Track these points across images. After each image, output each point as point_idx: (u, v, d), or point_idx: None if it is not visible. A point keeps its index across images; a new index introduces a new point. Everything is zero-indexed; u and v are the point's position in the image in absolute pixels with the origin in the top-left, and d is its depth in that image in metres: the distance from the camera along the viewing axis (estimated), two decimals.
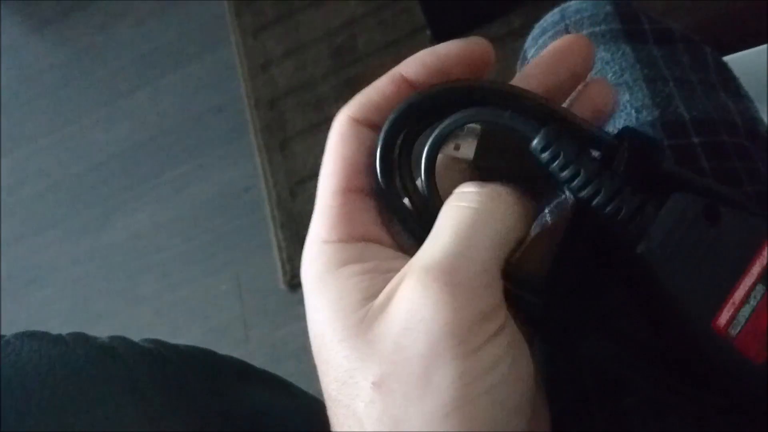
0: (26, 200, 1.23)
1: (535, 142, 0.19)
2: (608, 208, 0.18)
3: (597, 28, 0.26)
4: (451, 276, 0.17)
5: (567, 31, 0.27)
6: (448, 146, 0.20)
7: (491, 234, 0.18)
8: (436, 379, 0.17)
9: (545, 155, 0.18)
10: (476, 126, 0.20)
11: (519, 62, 0.31)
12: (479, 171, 0.20)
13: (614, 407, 0.22)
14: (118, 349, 0.27)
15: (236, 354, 1.09)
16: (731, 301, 0.17)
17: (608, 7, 0.27)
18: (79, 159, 1.24)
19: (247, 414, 0.30)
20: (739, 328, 0.17)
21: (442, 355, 0.16)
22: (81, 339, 0.27)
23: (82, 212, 1.18)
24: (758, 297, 0.17)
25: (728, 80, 0.26)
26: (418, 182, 0.20)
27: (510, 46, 0.79)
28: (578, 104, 0.20)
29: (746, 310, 0.17)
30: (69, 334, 0.27)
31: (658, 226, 0.18)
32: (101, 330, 0.98)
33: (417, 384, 0.17)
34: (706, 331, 0.17)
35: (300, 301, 0.79)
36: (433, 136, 0.20)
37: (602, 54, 0.26)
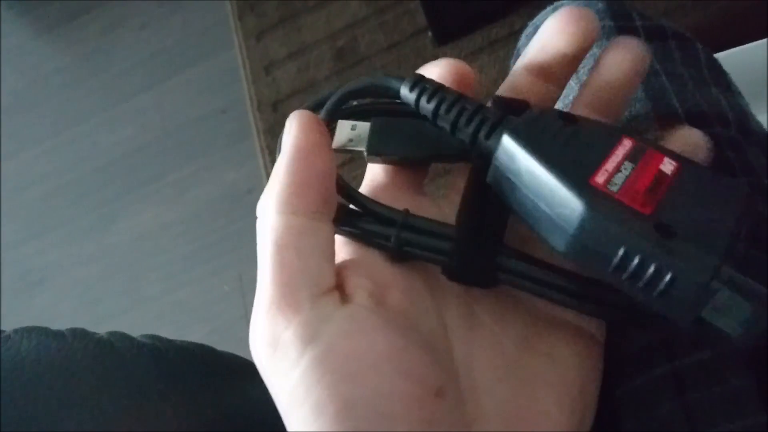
0: (31, 202, 1.24)
1: (402, 87, 0.20)
2: (472, 126, 0.19)
3: None
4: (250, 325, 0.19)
5: None
6: (345, 142, 0.22)
7: (270, 260, 0.19)
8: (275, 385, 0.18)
9: (412, 95, 0.20)
10: (367, 124, 0.22)
11: (512, 60, 0.31)
12: (375, 160, 0.22)
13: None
14: (116, 344, 0.27)
15: (238, 354, 1.09)
16: (603, 168, 0.17)
17: (600, 5, 0.27)
18: (84, 161, 1.25)
19: (243, 410, 0.31)
20: (618, 186, 0.17)
21: (269, 386, 0.18)
22: (80, 334, 0.27)
23: (87, 214, 1.19)
24: (629, 169, 0.17)
25: (719, 76, 0.26)
26: None
27: (512, 48, 0.80)
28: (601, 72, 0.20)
29: (620, 177, 0.17)
30: (68, 330, 0.27)
31: (520, 122, 0.19)
32: (105, 330, 0.98)
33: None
34: (585, 191, 0.17)
35: None
36: (322, 112, 0.22)
37: (594, 50, 0.26)
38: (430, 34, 1.02)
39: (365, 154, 0.21)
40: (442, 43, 1.01)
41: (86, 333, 0.27)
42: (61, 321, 1.14)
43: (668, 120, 0.24)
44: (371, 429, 0.16)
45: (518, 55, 0.31)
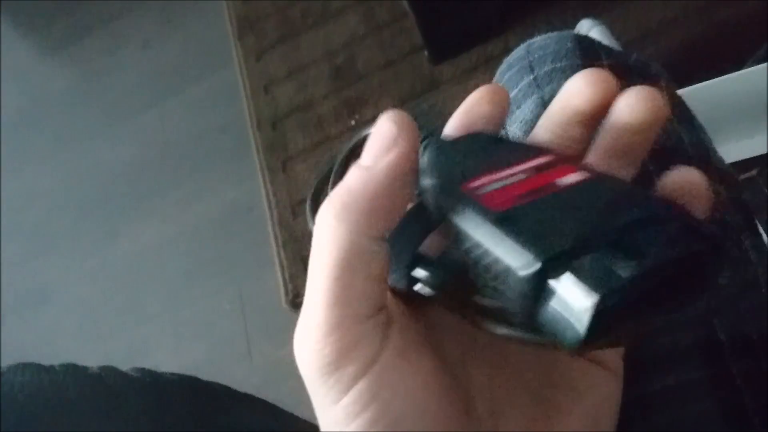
0: (33, 220, 1.25)
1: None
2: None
3: (559, 64, 0.27)
4: (301, 327, 0.18)
5: (530, 67, 0.28)
6: None
7: (323, 277, 0.18)
8: (325, 427, 0.18)
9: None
10: None
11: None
12: None
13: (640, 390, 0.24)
14: (107, 379, 0.28)
15: (239, 371, 1.10)
16: (487, 176, 0.18)
17: (569, 44, 0.28)
18: (86, 179, 1.26)
19: None
20: (485, 191, 0.18)
21: (319, 406, 0.18)
22: (71, 369, 0.28)
23: (88, 232, 1.20)
24: (514, 180, 0.18)
25: (683, 112, 0.27)
26: None
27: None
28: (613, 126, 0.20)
29: (497, 185, 0.18)
30: (60, 365, 0.28)
31: (439, 141, 0.20)
32: (108, 348, 0.99)
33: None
34: (453, 193, 0.18)
35: None
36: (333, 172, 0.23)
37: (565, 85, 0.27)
38: (426, 52, 1.03)
39: None
40: (438, 61, 1.02)
41: (77, 368, 0.28)
42: (63, 339, 1.15)
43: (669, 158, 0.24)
44: None
45: (500, 76, 0.32)
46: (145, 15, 1.39)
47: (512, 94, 0.30)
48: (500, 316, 0.18)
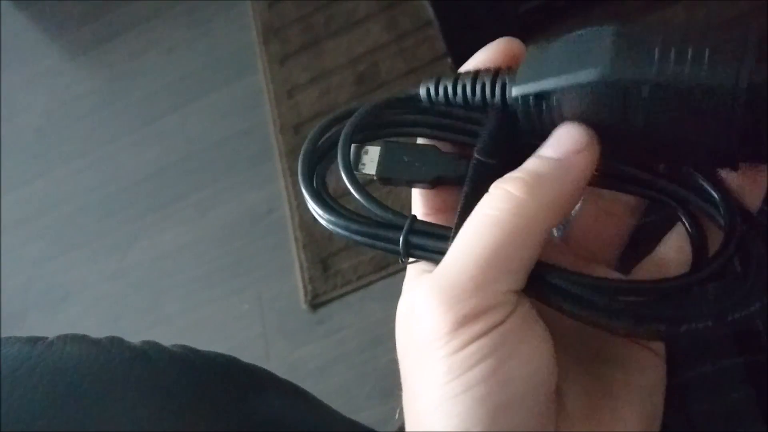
0: (58, 220, 1.27)
1: (420, 90, 0.22)
2: (477, 96, 0.21)
3: None
4: (439, 281, 0.18)
5: None
6: (357, 167, 0.23)
7: (491, 238, 0.18)
8: (423, 379, 0.18)
9: (427, 95, 0.22)
10: (378, 147, 0.23)
11: None
12: (386, 183, 0.23)
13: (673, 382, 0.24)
14: (150, 353, 0.29)
15: None
16: None
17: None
18: (110, 181, 1.28)
19: (266, 419, 0.32)
20: None
21: (427, 356, 0.18)
22: (116, 342, 0.29)
23: (111, 232, 1.22)
24: None
25: None
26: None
27: None
28: None
29: None
30: (106, 338, 0.29)
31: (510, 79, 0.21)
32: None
33: (412, 383, 0.19)
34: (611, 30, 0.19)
35: (320, 322, 0.82)
36: (342, 135, 0.22)
37: None
38: (449, 60, 1.05)
39: (374, 178, 0.23)
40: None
41: (122, 341, 0.29)
42: None
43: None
44: (516, 407, 0.18)
45: None
46: (171, 21, 1.42)
47: None
48: (580, 299, 0.19)
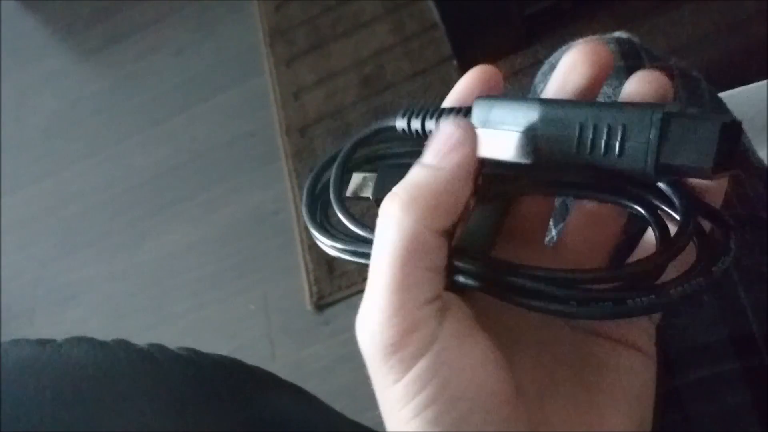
0: (66, 220, 1.28)
1: (397, 121, 0.24)
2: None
3: None
4: (361, 313, 0.19)
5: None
6: (355, 191, 0.25)
7: (384, 263, 0.19)
8: (382, 402, 0.19)
9: (403, 122, 0.24)
10: (374, 173, 0.25)
11: (530, 95, 0.33)
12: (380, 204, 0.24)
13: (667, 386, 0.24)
14: (156, 355, 0.29)
15: None
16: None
17: (611, 46, 0.29)
18: (117, 181, 1.29)
19: (271, 421, 0.32)
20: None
21: (379, 385, 0.19)
22: (123, 345, 0.29)
23: (119, 232, 1.23)
24: None
25: (722, 113, 0.27)
26: None
27: (535, 77, 0.82)
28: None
29: None
30: (113, 340, 0.29)
31: (446, 114, 0.22)
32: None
33: (381, 407, 0.20)
34: (537, 100, 0.20)
35: (326, 322, 0.82)
36: (333, 173, 0.25)
37: (605, 89, 0.28)
38: (455, 62, 1.05)
39: (371, 199, 0.24)
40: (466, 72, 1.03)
41: (129, 343, 0.30)
42: (90, 335, 1.17)
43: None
44: (471, 421, 0.18)
45: (534, 92, 0.33)
46: (178, 23, 1.43)
47: None
48: (543, 294, 0.19)
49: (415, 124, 0.23)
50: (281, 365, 0.98)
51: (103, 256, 1.22)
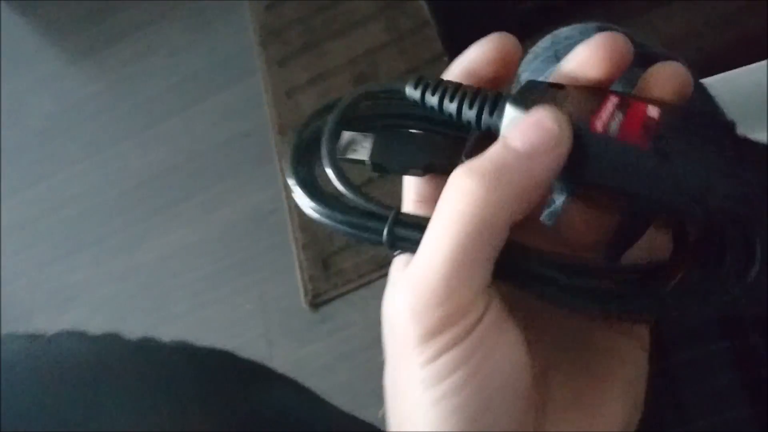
0: (63, 222, 1.28)
1: (407, 86, 0.22)
2: (476, 106, 0.20)
3: None
4: (408, 287, 0.18)
5: (556, 56, 0.29)
6: (347, 151, 0.22)
7: (453, 238, 0.17)
8: (402, 382, 0.18)
9: (417, 92, 0.21)
10: (371, 134, 0.22)
11: (513, 86, 0.33)
12: (377, 170, 0.23)
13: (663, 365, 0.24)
14: (148, 348, 0.29)
15: None
16: (598, 116, 0.19)
17: (594, 33, 0.29)
18: (114, 183, 1.29)
19: (272, 413, 0.32)
20: (616, 130, 0.19)
21: (403, 362, 0.18)
22: (114, 337, 0.29)
23: (116, 234, 1.23)
24: (620, 117, 0.19)
25: (707, 100, 0.28)
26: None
27: None
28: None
29: (615, 123, 0.19)
30: (104, 334, 0.30)
31: (515, 91, 0.20)
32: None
33: (393, 382, 0.19)
34: (588, 137, 0.18)
35: (322, 321, 0.82)
36: (330, 120, 0.22)
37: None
38: (446, 59, 1.05)
39: (366, 164, 0.23)
40: None
41: (119, 337, 0.30)
42: None
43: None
44: (488, 414, 0.18)
45: (518, 82, 0.33)
46: (172, 24, 1.43)
47: None
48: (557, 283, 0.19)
49: (431, 100, 0.21)
50: (279, 365, 0.96)
51: (102, 257, 1.22)
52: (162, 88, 1.35)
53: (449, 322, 0.17)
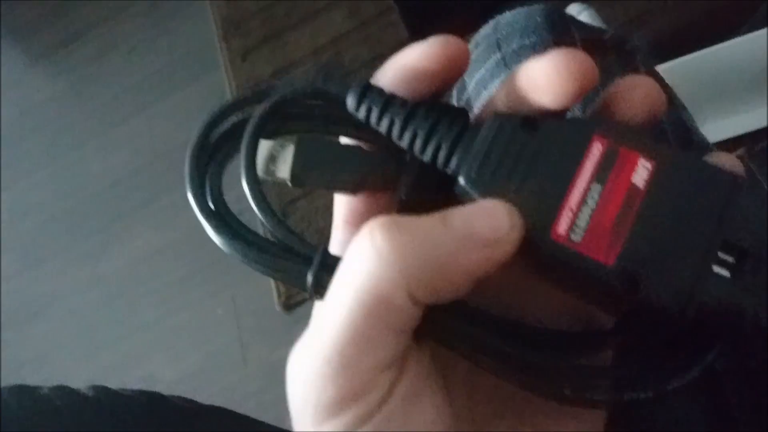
0: (26, 233, 1.24)
1: (348, 99, 0.18)
2: (429, 152, 0.17)
3: (527, 40, 0.25)
4: (309, 353, 0.16)
5: (498, 44, 0.26)
6: (266, 167, 0.19)
7: (348, 305, 0.15)
8: None
9: (361, 111, 0.18)
10: (291, 143, 0.19)
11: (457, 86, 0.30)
12: (300, 187, 0.19)
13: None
14: (56, 401, 0.26)
15: (235, 377, 1.09)
16: (567, 207, 0.16)
17: (539, 18, 0.26)
18: (77, 189, 1.25)
19: None
20: (581, 234, 0.16)
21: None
22: (17, 391, 0.26)
23: (81, 242, 1.19)
24: (596, 197, 0.16)
25: (673, 107, 0.25)
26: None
27: None
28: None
29: (585, 213, 0.16)
30: (5, 387, 0.26)
31: (476, 150, 0.17)
32: (103, 358, 0.98)
33: None
34: (546, 245, 0.16)
35: (296, 322, 0.79)
36: (249, 126, 0.18)
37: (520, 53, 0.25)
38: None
39: (288, 183, 0.19)
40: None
41: (24, 389, 0.27)
42: (58, 352, 1.13)
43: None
44: None
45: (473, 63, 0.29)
46: (129, 20, 1.38)
47: (479, 75, 0.28)
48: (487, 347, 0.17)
49: (374, 124, 0.18)
50: (254, 369, 0.95)
51: (67, 267, 1.18)
52: (121, 88, 1.31)
53: (349, 398, 0.15)
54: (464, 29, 1.02)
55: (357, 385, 0.15)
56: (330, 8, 1.16)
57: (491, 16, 1.02)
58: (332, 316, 0.15)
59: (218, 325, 1.01)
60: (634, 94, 0.17)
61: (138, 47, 1.34)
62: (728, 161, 0.17)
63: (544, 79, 0.16)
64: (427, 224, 0.15)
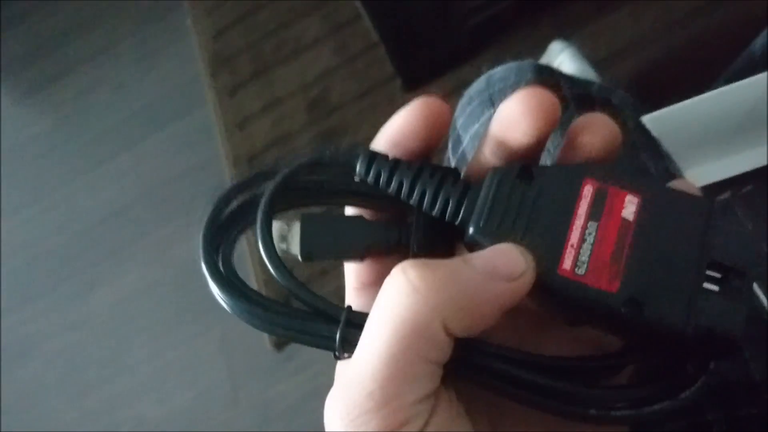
0: (12, 273, 1.22)
1: (357, 166, 0.20)
2: (438, 205, 0.19)
3: None
4: (342, 397, 0.17)
5: (491, 100, 0.27)
6: (278, 248, 0.20)
7: (386, 342, 0.16)
8: None
9: (370, 177, 0.19)
10: (295, 222, 0.21)
11: (458, 113, 0.31)
12: (311, 262, 0.20)
13: None
14: None
15: (226, 415, 1.07)
16: (569, 245, 0.18)
17: (530, 75, 0.27)
18: (64, 227, 1.24)
19: None
20: (585, 267, 0.18)
21: None
22: None
23: (69, 281, 1.17)
24: (593, 233, 0.18)
25: (648, 141, 0.26)
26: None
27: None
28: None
29: (586, 248, 0.18)
30: None
31: (481, 203, 0.19)
32: (91, 399, 0.96)
33: None
34: (556, 281, 0.18)
35: (287, 360, 0.78)
36: (261, 207, 0.20)
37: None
38: (399, 80, 1.03)
39: (299, 258, 0.20)
40: (411, 89, 1.02)
41: None
42: (46, 392, 1.11)
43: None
44: None
45: (453, 125, 0.30)
46: (117, 57, 1.38)
47: (474, 129, 0.29)
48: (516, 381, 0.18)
49: (384, 179, 0.20)
50: (246, 408, 0.94)
51: (55, 306, 1.16)
52: (109, 124, 1.31)
53: (390, 427, 0.16)
54: (450, 61, 1.04)
55: (400, 417, 0.16)
56: (317, 44, 1.17)
57: (476, 48, 1.03)
58: (371, 350, 0.16)
59: (207, 364, 0.99)
60: (592, 127, 0.19)
61: (125, 84, 1.35)
62: (689, 186, 0.19)
63: (513, 116, 0.18)
64: (453, 264, 0.17)
